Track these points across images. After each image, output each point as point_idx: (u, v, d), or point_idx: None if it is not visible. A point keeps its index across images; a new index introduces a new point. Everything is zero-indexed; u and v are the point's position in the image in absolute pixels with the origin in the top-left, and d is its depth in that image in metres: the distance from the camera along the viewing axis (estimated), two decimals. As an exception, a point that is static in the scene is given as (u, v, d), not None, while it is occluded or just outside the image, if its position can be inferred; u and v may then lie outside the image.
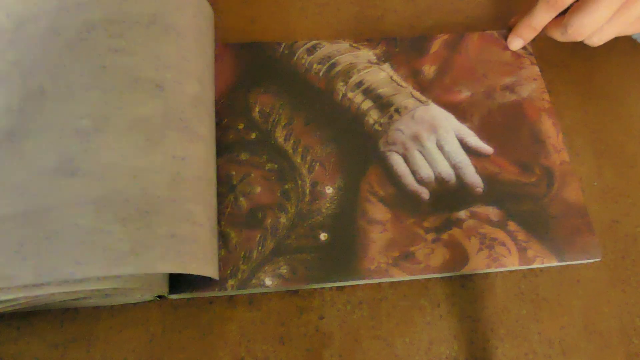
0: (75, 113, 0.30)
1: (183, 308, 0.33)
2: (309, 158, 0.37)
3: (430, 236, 0.34)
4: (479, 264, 0.34)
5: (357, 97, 0.39)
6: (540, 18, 0.39)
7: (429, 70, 0.40)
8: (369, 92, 0.39)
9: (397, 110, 0.38)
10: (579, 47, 0.44)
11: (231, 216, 0.34)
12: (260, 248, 0.34)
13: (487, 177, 0.37)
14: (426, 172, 0.36)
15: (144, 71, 0.31)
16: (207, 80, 0.35)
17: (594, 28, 0.36)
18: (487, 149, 0.38)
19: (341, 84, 0.39)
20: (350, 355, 0.33)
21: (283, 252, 0.34)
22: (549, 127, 0.39)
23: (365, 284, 0.34)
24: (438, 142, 0.38)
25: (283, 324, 0.33)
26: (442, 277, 0.35)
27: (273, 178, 0.36)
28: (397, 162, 0.37)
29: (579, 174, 0.39)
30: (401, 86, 0.40)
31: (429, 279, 0.35)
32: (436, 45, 0.42)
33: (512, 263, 0.34)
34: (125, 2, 0.33)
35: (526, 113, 0.39)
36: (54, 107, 0.31)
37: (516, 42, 0.41)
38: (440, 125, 0.38)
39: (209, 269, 0.30)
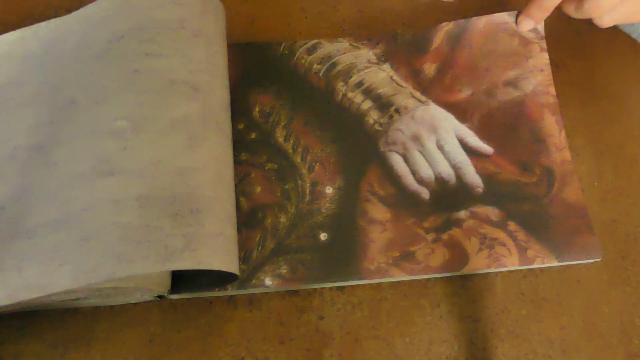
0: (109, 116, 0.30)
1: (183, 308, 0.33)
2: (309, 158, 0.37)
3: (431, 236, 0.34)
4: (479, 264, 0.34)
5: (357, 97, 0.39)
6: None
7: (429, 68, 0.40)
8: (369, 92, 0.39)
9: (397, 111, 0.38)
10: (579, 47, 0.44)
11: (231, 216, 0.35)
12: (260, 248, 0.34)
13: (487, 177, 0.37)
14: (426, 172, 0.36)
15: (178, 73, 0.31)
16: (228, 84, 0.35)
17: (611, 5, 0.35)
18: (487, 149, 0.38)
19: (341, 84, 0.39)
20: (350, 355, 0.33)
21: (283, 252, 0.34)
22: (552, 125, 0.38)
23: (365, 284, 0.34)
24: (438, 142, 0.37)
25: (283, 324, 0.33)
26: (442, 277, 0.35)
27: (273, 178, 0.36)
28: (397, 162, 0.37)
29: (579, 174, 0.38)
30: (401, 86, 0.39)
31: (429, 279, 0.35)
32: (438, 38, 0.41)
33: (512, 263, 0.34)
34: (151, 9, 0.33)
35: (528, 111, 0.39)
36: (84, 114, 0.31)
37: (526, 23, 0.40)
38: (440, 126, 0.38)
39: (238, 268, 0.31)
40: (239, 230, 0.34)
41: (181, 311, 0.33)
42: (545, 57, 0.40)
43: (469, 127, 0.38)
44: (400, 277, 0.33)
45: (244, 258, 0.33)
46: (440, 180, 0.36)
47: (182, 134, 0.30)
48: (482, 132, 0.38)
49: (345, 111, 0.38)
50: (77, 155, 0.30)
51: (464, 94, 0.39)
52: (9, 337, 0.32)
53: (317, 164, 0.36)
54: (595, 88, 0.42)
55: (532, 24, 0.40)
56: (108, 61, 0.32)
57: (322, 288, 0.34)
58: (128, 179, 0.28)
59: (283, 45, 0.41)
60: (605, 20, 0.37)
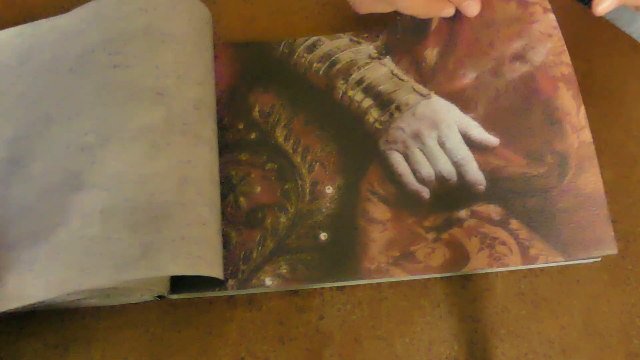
0: (80, 130, 0.31)
1: (183, 308, 0.33)
2: (309, 158, 0.37)
3: (431, 235, 0.34)
4: (480, 263, 0.34)
5: (358, 96, 0.39)
6: None
7: (431, 55, 0.38)
8: (369, 90, 0.39)
9: (397, 108, 0.38)
10: (579, 47, 0.44)
11: (231, 216, 0.34)
12: (260, 248, 0.34)
13: (490, 173, 0.35)
14: (427, 170, 0.36)
15: (143, 81, 0.32)
16: (208, 82, 0.35)
17: None
18: (491, 140, 0.36)
19: (341, 82, 0.39)
20: (350, 355, 0.33)
21: (283, 252, 0.34)
22: (568, 101, 0.35)
23: (365, 284, 0.35)
24: (440, 138, 0.36)
25: (283, 324, 0.33)
26: (442, 277, 0.35)
27: (273, 178, 0.36)
28: (398, 160, 0.37)
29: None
30: (402, 80, 0.38)
31: (429, 279, 0.35)
32: (436, 18, 0.38)
33: (514, 262, 0.33)
34: (120, 19, 0.34)
35: (540, 88, 0.35)
36: (59, 128, 0.32)
37: (609, 3, 0.31)
38: (442, 120, 0.37)
39: (216, 270, 0.31)
40: (239, 230, 0.34)
41: (181, 311, 0.33)
42: (551, 19, 0.36)
43: (474, 118, 0.36)
44: (401, 276, 0.33)
45: (243, 258, 0.33)
46: (441, 178, 0.36)
47: (145, 143, 0.30)
48: (488, 121, 0.36)
49: (346, 110, 0.38)
50: (51, 169, 0.31)
51: (468, 78, 0.37)
52: (9, 337, 0.32)
53: (317, 164, 0.36)
54: (595, 88, 0.42)
55: (614, 3, 0.31)
56: (80, 75, 0.33)
57: (322, 288, 0.34)
58: (95, 192, 0.29)
59: (283, 44, 0.41)
60: None
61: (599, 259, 0.35)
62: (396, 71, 0.39)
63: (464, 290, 0.35)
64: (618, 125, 0.40)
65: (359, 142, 0.37)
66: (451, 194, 0.35)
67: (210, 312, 0.33)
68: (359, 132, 0.37)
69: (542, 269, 0.35)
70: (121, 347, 0.32)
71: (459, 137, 0.37)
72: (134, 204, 0.29)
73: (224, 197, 0.35)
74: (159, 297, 0.33)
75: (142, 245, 0.28)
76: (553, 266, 0.35)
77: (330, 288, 0.34)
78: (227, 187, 0.35)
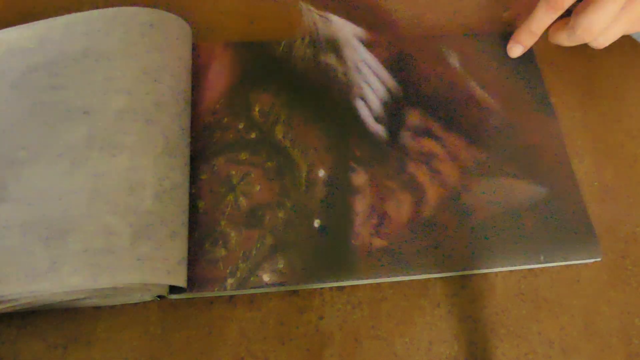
0: (14, 145, 0.33)
1: (183, 308, 0.33)
2: (308, 152, 0.37)
3: (396, 184, 0.36)
4: (432, 194, 0.36)
5: (333, 60, 0.40)
6: (541, 22, 0.38)
7: None
8: (331, 47, 0.41)
9: (339, 47, 0.40)
10: (579, 47, 0.44)
11: (231, 216, 0.34)
12: (259, 246, 0.34)
13: (390, 70, 0.39)
14: (375, 104, 0.38)
15: (74, 102, 0.34)
16: (139, 89, 0.35)
17: (603, 26, 0.35)
18: (360, 30, 0.40)
19: (331, 60, 0.41)
20: (350, 355, 0.33)
21: (281, 248, 0.34)
22: None
23: (366, 284, 0.35)
24: (359, 56, 0.40)
25: (283, 324, 0.33)
26: (442, 277, 0.35)
27: (272, 176, 0.36)
28: (361, 106, 0.39)
29: (579, 174, 0.38)
30: (322, 16, 0.42)
31: (429, 279, 0.35)
32: None
33: (450, 173, 0.36)
34: (63, 43, 0.36)
35: None
36: None
37: (516, 49, 0.41)
38: (347, 36, 0.40)
39: (133, 276, 0.30)
40: (239, 230, 0.34)
41: (181, 311, 0.33)
42: None
43: (340, 16, 0.41)
44: (380, 245, 0.34)
45: (243, 257, 0.33)
46: (382, 102, 0.38)
47: (67, 160, 0.32)
48: (342, 13, 0.40)
49: (336, 89, 0.39)
50: None
51: None
52: (9, 337, 0.32)
53: (314, 157, 0.37)
54: (595, 88, 0.42)
55: (522, 49, 0.41)
56: (20, 92, 0.35)
57: (322, 288, 0.34)
58: (17, 206, 0.31)
59: (283, 44, 0.41)
60: (601, 42, 0.37)
61: (599, 259, 0.35)
62: (312, 9, 0.42)
63: (464, 290, 0.35)
64: (618, 125, 0.40)
65: (341, 112, 0.39)
66: (393, 118, 0.38)
67: (211, 312, 0.33)
68: (339, 100, 0.39)
69: (542, 269, 0.35)
70: (121, 347, 0.32)
71: (359, 44, 0.40)
72: (50, 219, 0.31)
73: (224, 197, 0.35)
74: (159, 297, 0.33)
75: (50, 259, 0.29)
76: (553, 266, 0.35)
77: (330, 288, 0.34)
78: (227, 187, 0.35)
